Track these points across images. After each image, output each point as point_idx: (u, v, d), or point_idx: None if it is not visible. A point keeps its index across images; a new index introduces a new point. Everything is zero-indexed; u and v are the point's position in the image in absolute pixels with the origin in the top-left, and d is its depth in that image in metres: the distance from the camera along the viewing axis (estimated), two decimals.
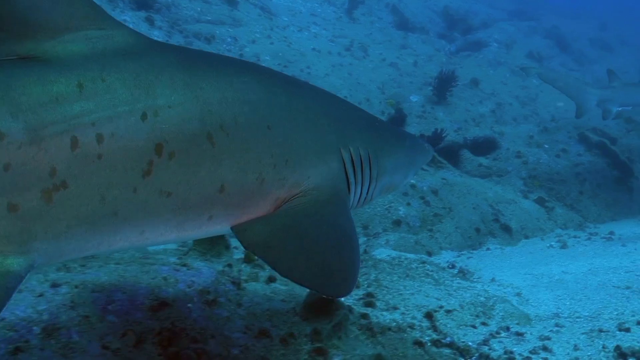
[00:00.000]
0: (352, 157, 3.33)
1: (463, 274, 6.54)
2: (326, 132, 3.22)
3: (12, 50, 2.37)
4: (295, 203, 2.97)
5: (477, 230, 8.98)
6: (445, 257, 7.94)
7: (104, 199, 2.36)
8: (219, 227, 2.84)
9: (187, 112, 2.55)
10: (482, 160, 11.63)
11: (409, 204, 8.79)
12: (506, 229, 9.29)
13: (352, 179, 3.33)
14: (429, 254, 7.87)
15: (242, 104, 2.78)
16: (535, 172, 11.58)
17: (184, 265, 4.24)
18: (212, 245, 5.42)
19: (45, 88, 2.26)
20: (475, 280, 6.40)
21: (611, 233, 9.36)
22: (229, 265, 4.86)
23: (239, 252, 6.33)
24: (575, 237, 9.28)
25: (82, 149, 2.28)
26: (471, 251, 8.43)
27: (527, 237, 9.43)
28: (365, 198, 3.57)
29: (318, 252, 2.73)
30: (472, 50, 18.71)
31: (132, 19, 12.16)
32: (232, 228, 2.84)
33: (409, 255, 7.07)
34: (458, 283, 6.02)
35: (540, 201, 10.55)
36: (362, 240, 7.94)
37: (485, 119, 13.23)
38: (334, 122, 3.32)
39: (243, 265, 5.40)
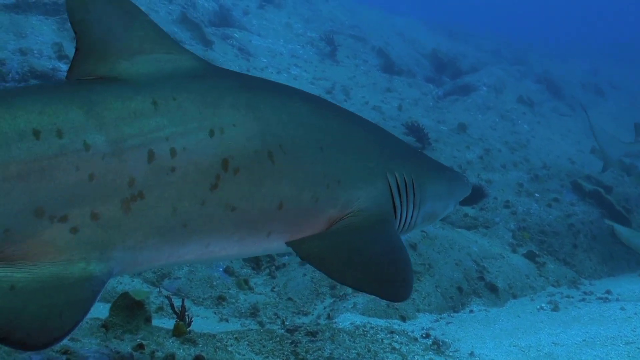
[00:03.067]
0: (397, 182, 3.42)
1: (437, 346, 5.62)
2: (373, 157, 3.37)
3: (91, 71, 2.58)
4: (348, 222, 3.07)
5: (460, 289, 8.06)
6: (421, 321, 7.01)
7: (176, 211, 2.49)
8: (276, 244, 2.93)
9: (250, 131, 2.70)
10: (468, 210, 10.74)
11: None
12: (492, 288, 8.36)
13: (397, 203, 3.41)
14: (403, 318, 6.95)
15: (297, 126, 2.94)
16: (525, 223, 10.68)
17: (65, 352, 3.33)
18: (131, 318, 4.54)
19: (125, 104, 2.43)
20: (451, 354, 5.48)
21: (608, 292, 8.46)
22: (140, 346, 3.97)
23: (168, 321, 5.42)
24: (568, 297, 8.35)
25: (157, 162, 2.43)
26: (452, 314, 7.49)
27: (515, 297, 8.50)
28: (409, 224, 3.61)
29: (375, 263, 2.79)
30: (461, 94, 18.04)
31: None
32: (287, 243, 2.91)
33: (377, 322, 6.16)
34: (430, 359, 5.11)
35: (530, 256, 9.66)
36: (327, 302, 7.03)
37: (473, 165, 12.41)
38: (380, 148, 3.48)
39: (170, 341, 4.51)
